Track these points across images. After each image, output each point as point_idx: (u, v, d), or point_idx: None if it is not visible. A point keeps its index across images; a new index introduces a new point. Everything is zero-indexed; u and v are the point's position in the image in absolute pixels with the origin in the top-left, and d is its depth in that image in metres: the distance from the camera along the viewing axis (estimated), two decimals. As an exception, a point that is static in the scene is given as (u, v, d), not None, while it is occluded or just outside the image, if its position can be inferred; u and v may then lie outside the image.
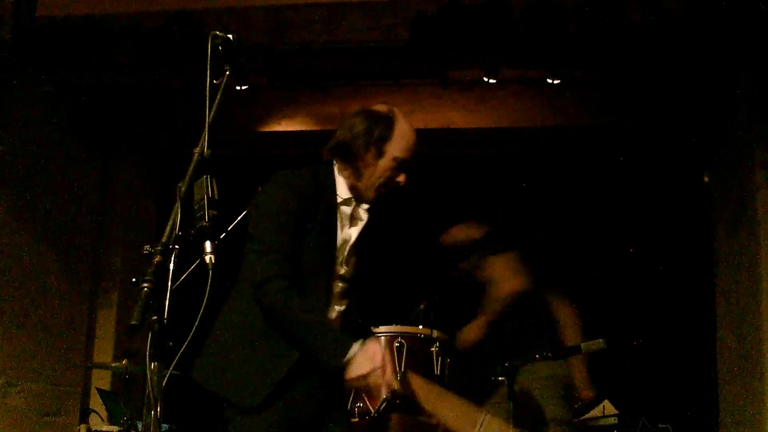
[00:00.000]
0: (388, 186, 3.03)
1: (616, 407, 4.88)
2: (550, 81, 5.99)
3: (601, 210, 6.72)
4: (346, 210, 3.02)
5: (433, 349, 3.90)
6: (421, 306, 4.44)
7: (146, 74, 5.95)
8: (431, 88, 6.51)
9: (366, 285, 3.15)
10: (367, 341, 2.75)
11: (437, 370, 3.90)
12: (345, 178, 3.03)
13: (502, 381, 4.02)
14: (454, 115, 6.51)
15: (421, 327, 3.98)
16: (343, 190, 3.02)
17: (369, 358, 2.70)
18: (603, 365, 5.14)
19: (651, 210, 6.59)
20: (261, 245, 2.86)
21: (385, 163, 2.99)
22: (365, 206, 3.07)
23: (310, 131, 6.60)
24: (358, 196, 3.04)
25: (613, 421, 4.80)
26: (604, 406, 4.92)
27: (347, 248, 3.02)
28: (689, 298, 6.35)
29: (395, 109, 3.12)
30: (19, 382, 5.88)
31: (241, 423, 2.85)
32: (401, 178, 3.05)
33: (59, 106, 6.28)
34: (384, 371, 2.70)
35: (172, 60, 5.64)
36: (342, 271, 3.02)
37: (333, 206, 2.98)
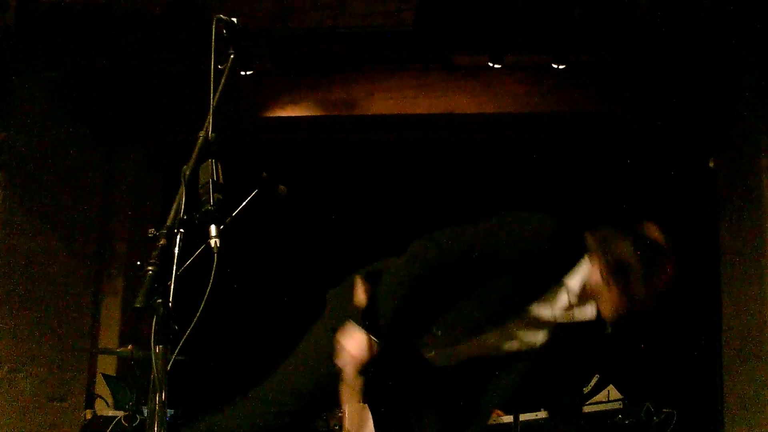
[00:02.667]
0: (624, 312, 2.80)
1: (620, 392, 4.87)
2: (555, 66, 5.98)
3: (606, 196, 6.71)
4: (568, 296, 2.80)
5: None
6: None
7: (150, 60, 5.95)
8: (436, 73, 6.49)
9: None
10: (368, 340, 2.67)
11: None
12: (595, 289, 2.78)
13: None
14: (459, 101, 6.49)
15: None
16: (576, 284, 2.78)
17: (352, 346, 2.66)
18: (607, 350, 5.14)
19: (656, 195, 6.57)
20: (457, 236, 2.75)
21: (635, 297, 2.76)
22: (590, 313, 2.84)
23: (315, 116, 6.59)
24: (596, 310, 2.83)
25: (617, 406, 4.80)
26: (608, 392, 4.92)
27: (524, 320, 2.86)
28: (694, 283, 6.34)
29: (664, 238, 2.88)
30: (25, 368, 5.90)
31: None
32: (647, 306, 2.81)
33: (63, 93, 6.27)
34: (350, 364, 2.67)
35: (176, 45, 5.63)
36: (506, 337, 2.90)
37: (556, 281, 2.78)
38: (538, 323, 2.85)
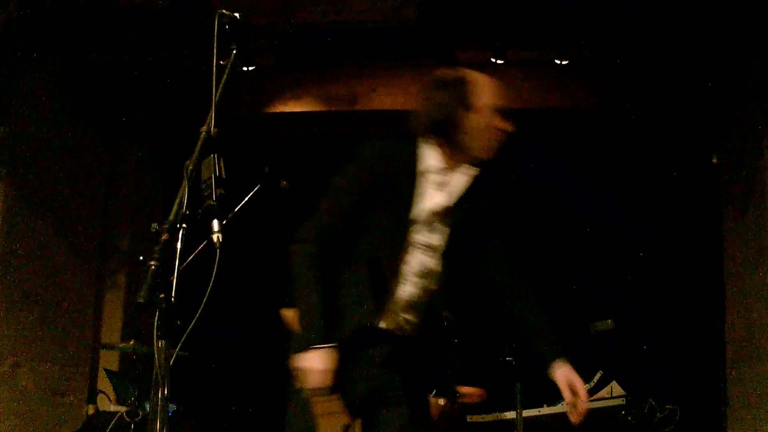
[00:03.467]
0: (498, 136, 2.99)
1: (623, 388, 4.87)
2: (557, 62, 5.97)
3: (608, 191, 6.70)
4: (434, 177, 2.95)
5: None
6: None
7: (153, 55, 5.94)
8: (438, 69, 6.46)
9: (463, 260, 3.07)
10: (323, 353, 2.70)
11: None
12: (443, 149, 2.96)
13: (510, 361, 4.03)
14: (462, 96, 6.47)
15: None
16: (433, 161, 2.96)
17: (310, 369, 2.68)
18: (611, 345, 5.14)
19: (659, 191, 6.56)
20: (318, 208, 2.89)
21: (482, 116, 2.95)
22: (464, 170, 3.01)
23: (317, 112, 6.58)
24: (467, 160, 2.99)
25: (620, 402, 4.80)
26: (611, 388, 4.92)
27: (435, 216, 2.95)
28: (697, 279, 6.34)
29: (460, 68, 3.08)
30: (28, 363, 5.90)
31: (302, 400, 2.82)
32: (506, 125, 3.01)
33: (65, 89, 6.27)
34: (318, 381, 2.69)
35: (178, 41, 5.63)
36: (424, 240, 2.93)
37: (415, 174, 2.93)
38: (437, 218, 2.94)
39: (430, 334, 3.02)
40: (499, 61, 5.97)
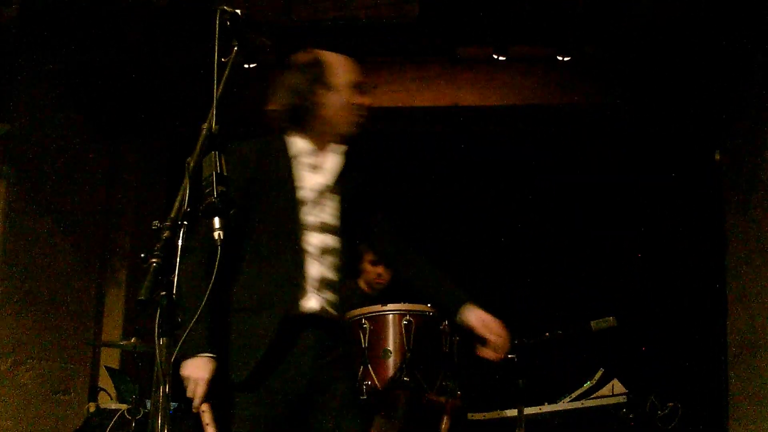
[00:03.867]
0: (358, 112, 3.07)
1: (625, 386, 4.86)
2: (559, 58, 5.96)
3: (610, 188, 6.70)
4: (306, 160, 3.01)
5: (441, 327, 3.87)
6: None
7: (154, 53, 5.93)
8: (440, 65, 6.47)
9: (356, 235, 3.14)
10: (201, 361, 2.73)
11: (446, 348, 3.87)
12: (309, 134, 3.02)
13: (511, 358, 4.02)
14: (463, 93, 6.48)
15: (429, 305, 3.97)
16: (303, 145, 3.01)
17: (190, 372, 2.71)
18: (613, 343, 5.13)
19: (661, 189, 6.56)
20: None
21: (341, 94, 3.01)
22: (336, 150, 3.07)
23: (318, 109, 6.56)
24: (333, 140, 3.06)
25: (621, 400, 4.79)
26: (613, 385, 4.91)
27: (317, 196, 2.99)
28: (699, 276, 6.33)
29: (312, 49, 3.15)
30: (29, 361, 5.90)
31: (234, 400, 2.84)
32: (365, 100, 3.09)
33: (67, 87, 6.26)
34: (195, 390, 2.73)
35: (179, 38, 5.61)
36: (317, 219, 2.97)
37: (287, 161, 2.97)
38: (321, 198, 2.99)
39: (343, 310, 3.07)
40: (500, 58, 5.96)
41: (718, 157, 6.38)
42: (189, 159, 2.17)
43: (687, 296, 6.34)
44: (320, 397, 2.90)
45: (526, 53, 6.22)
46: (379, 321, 3.78)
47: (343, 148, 3.09)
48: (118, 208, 6.87)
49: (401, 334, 3.74)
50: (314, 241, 2.94)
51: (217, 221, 2.11)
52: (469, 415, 4.81)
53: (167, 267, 1.94)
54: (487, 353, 3.06)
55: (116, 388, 5.51)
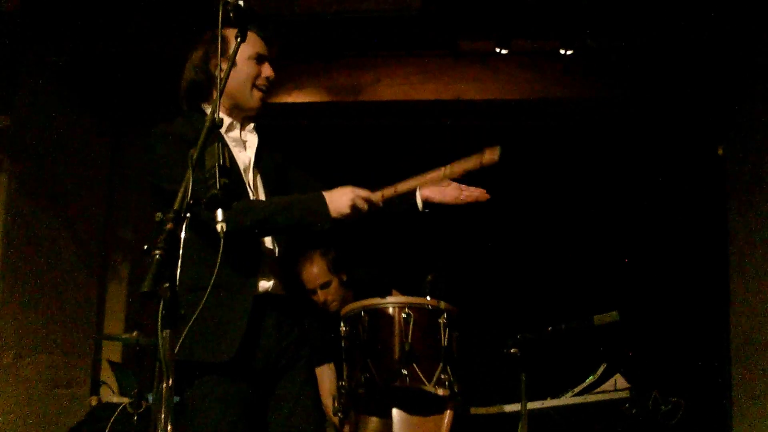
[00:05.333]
0: (261, 82, 3.05)
1: (628, 381, 4.86)
2: (562, 52, 5.94)
3: (613, 183, 6.68)
4: (233, 134, 3.03)
5: (440, 320, 3.87)
6: (429, 277, 4.43)
7: (157, 44, 5.91)
8: (442, 59, 6.46)
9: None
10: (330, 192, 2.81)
11: (444, 342, 3.87)
12: (222, 109, 3.02)
13: (514, 353, 4.02)
14: (466, 87, 6.46)
15: (429, 298, 3.97)
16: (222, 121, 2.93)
17: (341, 193, 2.81)
18: (615, 338, 5.13)
19: (664, 182, 6.54)
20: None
21: (239, 66, 2.98)
22: (251, 127, 3.09)
23: (320, 102, 6.56)
24: (244, 115, 3.07)
25: (624, 395, 4.78)
26: (615, 380, 4.91)
27: (250, 173, 3.02)
28: (702, 271, 6.32)
29: (215, 29, 3.01)
30: (30, 354, 5.89)
31: (203, 383, 2.83)
32: (267, 70, 3.07)
33: (68, 80, 6.24)
34: (360, 195, 2.81)
35: (182, 30, 5.59)
36: (253, 197, 2.99)
37: (217, 138, 2.86)
38: (253, 175, 3.01)
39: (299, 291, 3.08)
40: (503, 51, 5.95)
41: (721, 151, 6.36)
42: (191, 151, 2.17)
43: (690, 291, 6.33)
44: (280, 381, 2.94)
45: (529, 47, 6.20)
46: (377, 314, 3.77)
47: (252, 123, 3.11)
48: (121, 200, 6.86)
49: (400, 327, 3.74)
50: None
51: (220, 213, 2.11)
52: (472, 410, 4.80)
53: (170, 259, 1.93)
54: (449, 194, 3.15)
55: (118, 381, 5.51)
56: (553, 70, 6.34)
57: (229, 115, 3.05)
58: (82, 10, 5.50)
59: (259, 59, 3.08)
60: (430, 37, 6.12)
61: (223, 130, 2.99)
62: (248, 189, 2.98)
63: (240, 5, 2.49)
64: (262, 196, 3.01)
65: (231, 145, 3.00)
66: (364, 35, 5.92)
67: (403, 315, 3.75)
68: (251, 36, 3.00)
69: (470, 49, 6.36)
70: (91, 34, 5.73)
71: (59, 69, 6.12)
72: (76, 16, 5.53)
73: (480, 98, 6.48)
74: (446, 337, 3.78)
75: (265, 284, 2.92)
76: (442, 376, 3.67)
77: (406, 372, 3.62)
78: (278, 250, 2.99)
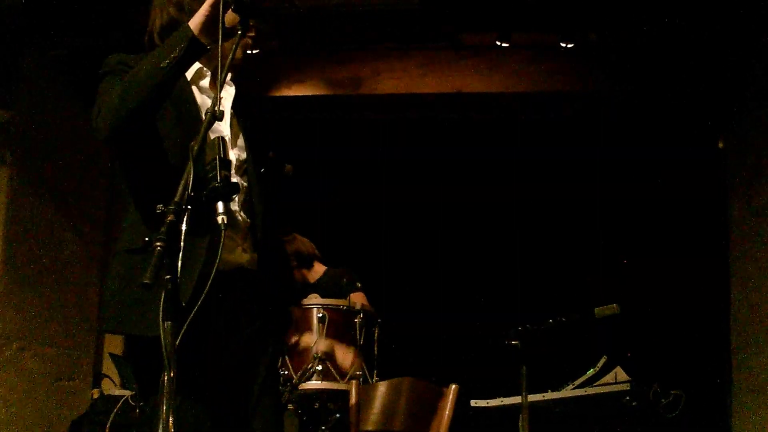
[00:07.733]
0: (231, 30, 2.63)
1: (628, 374, 4.86)
2: (563, 45, 5.94)
3: (613, 176, 6.68)
4: (204, 83, 2.80)
5: (356, 320, 4.05)
6: (344, 280, 4.63)
7: (160, 38, 5.90)
8: (443, 52, 6.45)
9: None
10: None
11: (361, 341, 4.05)
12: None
13: (515, 345, 4.02)
14: (467, 80, 6.46)
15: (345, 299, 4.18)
16: (194, 68, 2.75)
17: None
18: (616, 331, 5.13)
19: (665, 176, 6.54)
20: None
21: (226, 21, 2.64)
22: (228, 77, 2.82)
23: (321, 96, 6.56)
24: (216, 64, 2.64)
25: (625, 387, 4.79)
26: (616, 373, 4.91)
27: (227, 125, 2.75)
28: (702, 264, 6.32)
29: None
30: (33, 347, 5.91)
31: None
32: (229, 17, 2.61)
33: (70, 73, 6.24)
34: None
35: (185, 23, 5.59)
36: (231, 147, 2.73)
37: (187, 85, 2.74)
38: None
39: (271, 262, 2.79)
40: (504, 45, 5.94)
41: (721, 144, 6.36)
42: (192, 143, 2.17)
43: (690, 284, 6.33)
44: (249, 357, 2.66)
45: (530, 40, 6.20)
46: (297, 314, 4.04)
47: (232, 75, 2.86)
48: (122, 194, 6.86)
49: (316, 326, 3.94)
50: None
51: (220, 206, 2.12)
52: (472, 402, 4.81)
53: (171, 251, 1.94)
54: None
55: (120, 374, 5.52)
56: (553, 64, 6.34)
57: (206, 62, 2.80)
58: (84, 3, 5.50)
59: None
60: (432, 30, 6.12)
61: (189, 76, 2.75)
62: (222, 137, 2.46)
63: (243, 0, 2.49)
64: (240, 149, 2.78)
65: (196, 92, 2.76)
66: (364, 29, 5.92)
67: (318, 315, 4.05)
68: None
69: (471, 42, 6.35)
70: (93, 27, 5.73)
71: (61, 63, 6.12)
72: (78, 9, 5.52)
73: (481, 91, 6.48)
74: (363, 336, 4.05)
75: (236, 256, 2.68)
76: (357, 373, 3.98)
77: (320, 368, 3.93)
78: (245, 218, 2.72)
